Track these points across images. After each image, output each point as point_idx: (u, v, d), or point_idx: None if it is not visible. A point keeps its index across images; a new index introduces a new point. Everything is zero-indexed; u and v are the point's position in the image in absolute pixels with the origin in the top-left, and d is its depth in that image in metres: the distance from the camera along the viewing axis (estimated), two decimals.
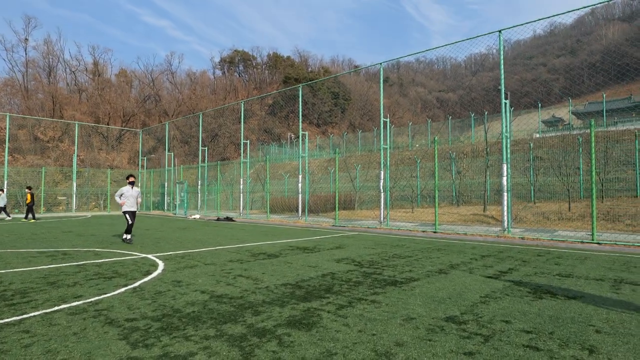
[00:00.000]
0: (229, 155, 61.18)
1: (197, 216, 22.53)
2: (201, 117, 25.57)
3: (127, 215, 10.63)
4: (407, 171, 27.73)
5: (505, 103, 12.38)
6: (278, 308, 4.45)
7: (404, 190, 23.93)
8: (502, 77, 12.53)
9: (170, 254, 8.53)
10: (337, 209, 16.44)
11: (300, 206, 18.09)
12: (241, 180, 20.68)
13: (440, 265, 7.25)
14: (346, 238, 12.07)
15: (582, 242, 10.32)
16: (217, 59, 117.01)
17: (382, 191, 15.24)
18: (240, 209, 21.19)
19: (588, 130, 32.98)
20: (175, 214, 25.78)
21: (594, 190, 10.40)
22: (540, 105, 44.33)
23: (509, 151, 12.40)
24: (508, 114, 12.71)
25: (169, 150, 30.15)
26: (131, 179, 10.83)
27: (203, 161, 25.14)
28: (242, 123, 20.92)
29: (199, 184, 24.63)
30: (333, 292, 5.18)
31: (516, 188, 21.25)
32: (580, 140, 20.49)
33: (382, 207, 15.22)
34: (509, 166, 12.22)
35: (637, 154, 18.70)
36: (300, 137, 17.68)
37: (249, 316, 4.13)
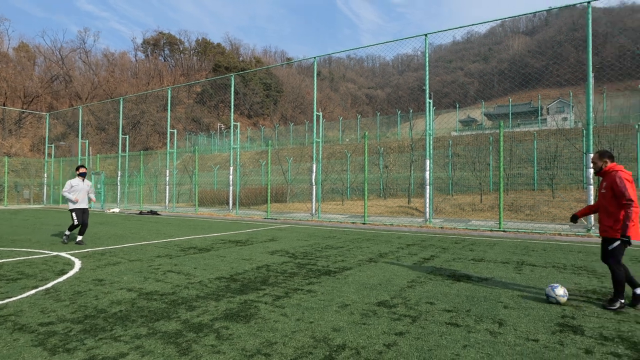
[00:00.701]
0: (153, 144, 57.41)
1: (117, 210, 20.91)
2: (122, 102, 23.62)
3: (75, 214, 8.84)
4: (338, 165, 28.45)
5: (430, 102, 13.27)
6: (213, 302, 4.35)
7: (334, 184, 24.55)
8: (427, 77, 13.39)
9: (88, 251, 7.85)
10: (269, 201, 16.35)
11: (231, 199, 17.67)
12: (167, 171, 19.56)
13: (370, 255, 7.61)
14: (279, 230, 12.09)
15: (491, 231, 11.51)
16: (139, 40, 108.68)
17: (313, 184, 15.48)
18: (166, 202, 20.08)
19: (497, 131, 36.62)
20: (91, 207, 23.63)
21: (501, 185, 11.63)
22: (458, 106, 48.09)
23: (431, 147, 13.33)
24: (431, 113, 13.64)
25: (82, 138, 27.44)
26: (82, 170, 9.12)
27: (124, 150, 23.29)
28: (169, 111, 19.68)
29: (119, 175, 22.81)
30: (269, 284, 5.20)
31: (437, 182, 22.94)
32: (491, 139, 22.72)
33: (313, 199, 15.48)
34: (431, 161, 13.15)
35: (535, 153, 21.26)
36: (232, 127, 17.20)
37: (183, 312, 3.99)
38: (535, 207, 14.96)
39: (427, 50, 13.36)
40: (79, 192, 8.98)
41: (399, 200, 21.06)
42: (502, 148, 11.72)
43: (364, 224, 13.87)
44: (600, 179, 4.61)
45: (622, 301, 4.18)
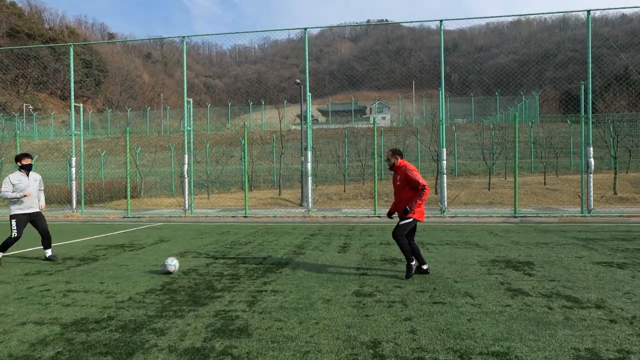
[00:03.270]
0: None
1: None
2: None
3: (15, 222, 6.09)
4: (197, 155, 26.45)
5: (309, 95, 13.70)
6: (178, 320, 3.60)
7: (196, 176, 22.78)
8: (307, 69, 13.74)
9: None
10: (128, 197, 14.14)
11: (74, 196, 14.47)
12: None
13: (288, 247, 7.47)
14: (156, 230, 10.63)
15: (368, 217, 12.73)
16: None
17: (185, 177, 14.12)
18: None
19: (340, 126, 40.35)
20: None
21: (375, 176, 12.98)
22: (305, 100, 50.58)
23: (310, 139, 13.81)
24: (309, 104, 14.12)
25: None
26: (26, 161, 6.20)
27: None
28: None
29: None
30: (220, 290, 4.58)
31: (297, 173, 23.83)
32: (346, 133, 24.92)
33: (186, 193, 14.12)
34: (311, 153, 13.63)
35: (382, 147, 24.34)
36: (73, 108, 14.00)
37: (153, 337, 3.17)
38: (390, 194, 17.21)
39: (306, 43, 13.70)
40: (24, 191, 6.09)
41: (266, 191, 21.10)
42: (375, 143, 13.06)
43: (245, 217, 13.42)
44: (394, 172, 5.33)
45: (413, 263, 5.03)
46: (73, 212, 14.46)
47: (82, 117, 15.70)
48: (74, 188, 14.46)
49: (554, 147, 19.80)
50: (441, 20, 12.72)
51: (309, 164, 13.42)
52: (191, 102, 14.48)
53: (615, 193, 15.81)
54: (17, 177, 6.14)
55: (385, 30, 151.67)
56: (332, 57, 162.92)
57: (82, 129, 15.70)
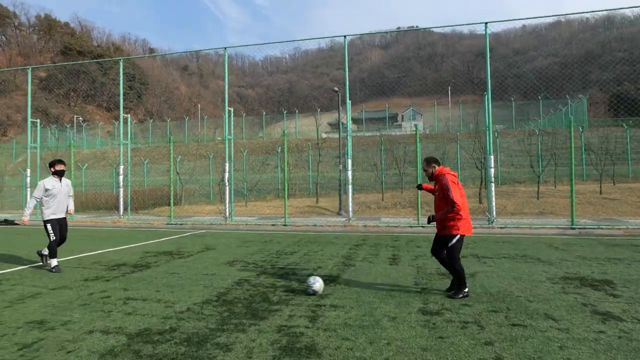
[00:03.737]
0: None
1: None
2: None
3: (51, 227, 6.32)
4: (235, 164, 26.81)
5: (349, 103, 13.54)
6: (240, 334, 3.46)
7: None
8: (347, 77, 13.62)
9: None
10: (172, 204, 14.45)
11: (121, 203, 14.98)
12: (28, 170, 15.48)
13: (335, 258, 7.26)
14: (199, 237, 10.72)
15: (411, 227, 12.32)
16: None
17: (226, 184, 14.28)
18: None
19: (371, 134, 39.91)
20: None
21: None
22: (344, 106, 50.64)
23: (350, 146, 13.61)
24: (349, 112, 13.96)
25: None
26: (59, 167, 6.47)
27: None
28: (30, 96, 15.39)
29: None
30: (277, 303, 4.42)
31: (332, 181, 23.66)
32: (382, 141, 24.55)
33: (227, 201, 14.27)
34: (351, 161, 13.42)
35: (417, 153, 23.73)
36: (122, 119, 14.56)
37: (219, 353, 3.04)
38: (431, 203, 16.66)
39: (346, 50, 13.60)
40: (55, 196, 6.34)
41: (302, 200, 21.04)
42: (418, 149, 12.66)
43: (285, 225, 13.34)
44: (434, 182, 4.91)
45: (466, 290, 4.55)
46: (120, 218, 14.94)
47: (129, 128, 16.31)
48: (121, 195, 14.95)
49: (610, 153, 18.52)
50: (486, 23, 12.24)
51: (349, 172, 13.21)
52: (232, 111, 14.68)
53: None
54: (51, 182, 6.35)
55: (416, 36, 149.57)
56: (362, 65, 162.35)
57: (129, 138, 16.28)
